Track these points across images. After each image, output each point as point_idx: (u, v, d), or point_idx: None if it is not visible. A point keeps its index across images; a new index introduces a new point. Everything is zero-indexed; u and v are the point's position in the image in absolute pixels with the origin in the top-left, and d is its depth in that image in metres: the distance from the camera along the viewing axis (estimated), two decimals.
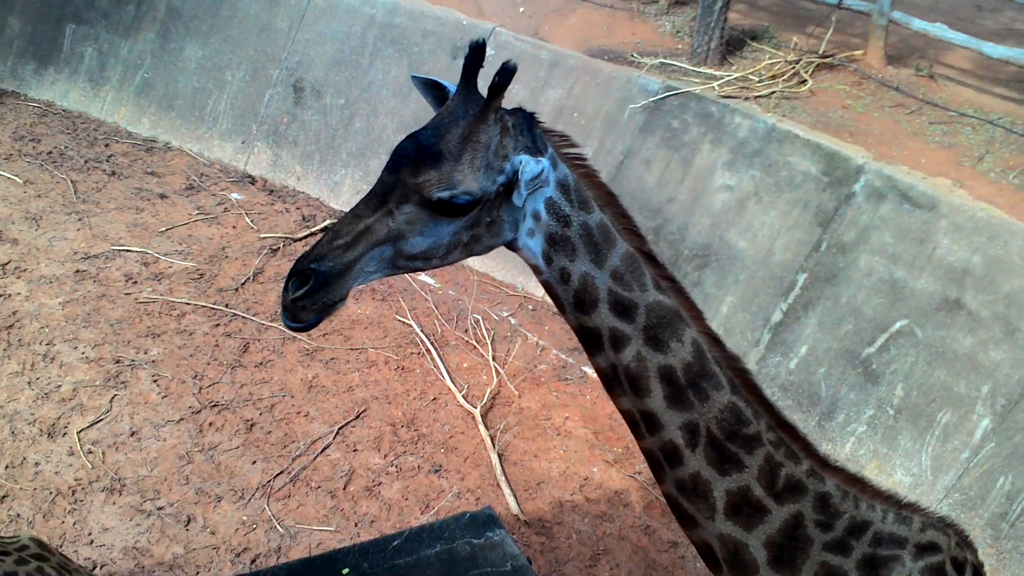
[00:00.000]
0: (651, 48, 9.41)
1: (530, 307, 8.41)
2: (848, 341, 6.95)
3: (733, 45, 9.37)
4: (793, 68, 8.81)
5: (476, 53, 2.32)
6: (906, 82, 8.82)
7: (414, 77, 2.60)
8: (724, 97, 8.23)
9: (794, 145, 7.59)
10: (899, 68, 9.09)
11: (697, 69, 8.84)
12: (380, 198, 2.31)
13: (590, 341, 2.56)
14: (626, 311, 2.46)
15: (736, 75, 8.67)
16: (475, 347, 7.70)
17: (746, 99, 8.25)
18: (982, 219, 6.69)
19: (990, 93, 8.74)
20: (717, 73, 8.74)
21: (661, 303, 2.49)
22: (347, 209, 9.38)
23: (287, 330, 2.38)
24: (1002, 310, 6.44)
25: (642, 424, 2.57)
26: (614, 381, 2.56)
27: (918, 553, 2.69)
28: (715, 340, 2.59)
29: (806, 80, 8.69)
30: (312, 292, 2.25)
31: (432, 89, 2.59)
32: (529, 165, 2.35)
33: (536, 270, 2.54)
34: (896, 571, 2.67)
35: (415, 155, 2.28)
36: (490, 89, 2.25)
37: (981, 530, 6.15)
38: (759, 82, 8.58)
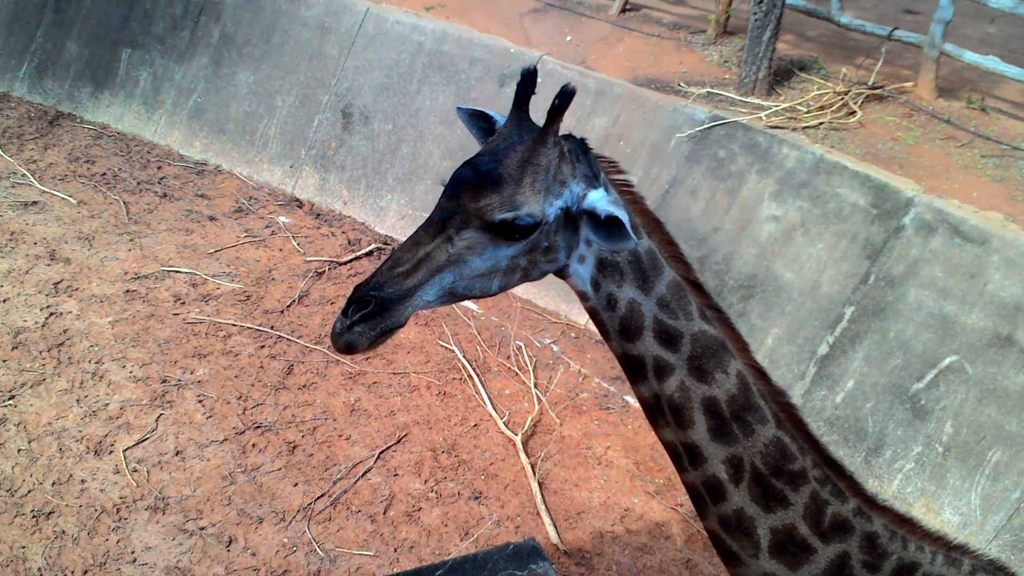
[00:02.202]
0: (698, 77, 9.40)
1: (573, 335, 8.39)
2: (896, 376, 6.84)
3: (781, 75, 9.33)
4: (842, 99, 8.75)
5: (528, 80, 2.35)
6: (957, 114, 8.71)
7: (460, 109, 2.63)
8: (772, 127, 8.19)
9: (842, 176, 7.52)
10: (950, 100, 8.99)
11: (744, 99, 8.81)
12: (440, 224, 2.31)
13: (634, 370, 2.54)
14: (671, 340, 2.45)
15: (784, 105, 8.63)
16: (517, 374, 7.69)
17: (794, 130, 8.20)
18: None
19: None
20: (765, 103, 8.70)
21: (707, 333, 2.47)
22: (392, 234, 9.48)
23: (337, 354, 2.36)
24: None
25: (685, 457, 2.55)
26: (657, 411, 2.55)
27: None
28: (761, 373, 2.56)
29: (855, 111, 8.62)
30: (370, 317, 2.25)
31: (478, 120, 2.61)
32: (601, 201, 2.37)
33: (583, 296, 2.54)
34: None
35: (475, 180, 2.29)
36: (550, 112, 2.27)
37: None
38: (807, 113, 8.52)
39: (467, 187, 2.29)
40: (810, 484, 2.49)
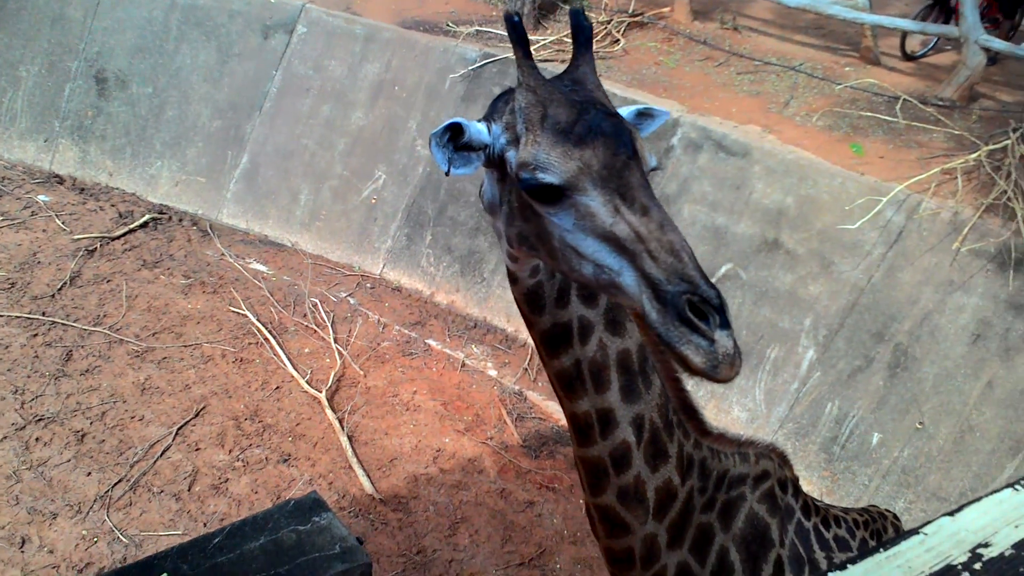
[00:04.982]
0: (466, 17, 9.39)
1: (368, 285, 8.30)
2: None
3: (546, 9, 9.47)
4: (605, 28, 8.99)
5: (519, 26, 2.02)
6: (713, 35, 9.14)
7: (434, 134, 2.11)
8: (542, 61, 8.30)
9: (612, 103, 7.74)
10: (705, 23, 9.41)
11: None
12: (648, 187, 1.98)
13: (560, 339, 2.34)
14: (591, 295, 2.31)
15: (551, 38, 8.77)
16: (315, 331, 7.55)
17: (563, 62, 8.35)
18: (792, 161, 7.02)
19: (791, 41, 9.18)
20: (533, 38, 8.81)
21: None
22: (167, 202, 9.03)
23: (723, 382, 1.77)
24: (816, 246, 6.79)
25: (597, 427, 2.40)
26: (577, 380, 2.37)
27: (755, 484, 2.82)
28: (640, 316, 2.50)
29: (619, 40, 8.87)
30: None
31: (449, 135, 2.13)
32: None
33: (534, 271, 2.28)
34: (742, 508, 2.78)
35: (631, 130, 2.01)
36: (584, 41, 2.10)
37: (815, 455, 6.50)
38: None
39: (634, 141, 1.99)
40: (675, 431, 2.49)
